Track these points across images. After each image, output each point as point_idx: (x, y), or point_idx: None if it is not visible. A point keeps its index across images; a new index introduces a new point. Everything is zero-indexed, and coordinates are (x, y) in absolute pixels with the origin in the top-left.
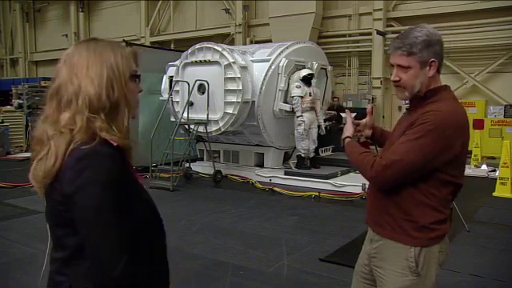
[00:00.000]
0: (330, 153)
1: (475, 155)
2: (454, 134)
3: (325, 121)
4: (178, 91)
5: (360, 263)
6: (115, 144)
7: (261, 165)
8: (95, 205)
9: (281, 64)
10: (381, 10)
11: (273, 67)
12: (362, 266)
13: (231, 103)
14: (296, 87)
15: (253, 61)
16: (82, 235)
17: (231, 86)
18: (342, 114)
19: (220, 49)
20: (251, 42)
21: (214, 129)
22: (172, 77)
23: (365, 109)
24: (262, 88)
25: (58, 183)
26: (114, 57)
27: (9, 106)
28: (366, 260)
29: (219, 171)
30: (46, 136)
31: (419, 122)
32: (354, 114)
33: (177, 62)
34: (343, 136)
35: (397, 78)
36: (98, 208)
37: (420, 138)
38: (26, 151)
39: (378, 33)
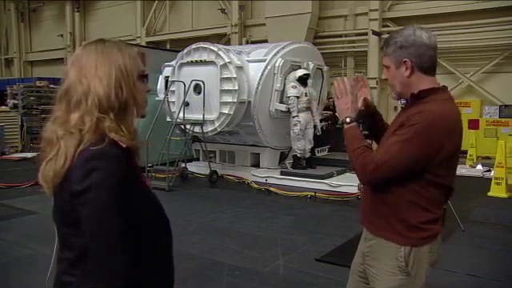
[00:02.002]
0: (326, 153)
1: (470, 155)
2: (444, 135)
3: (321, 121)
4: (173, 91)
5: (356, 262)
6: (124, 145)
7: (257, 165)
8: (101, 206)
9: (277, 64)
10: (376, 10)
11: (269, 67)
12: (358, 264)
13: (227, 103)
14: (292, 87)
15: (249, 61)
16: (87, 235)
17: (227, 86)
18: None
19: (216, 49)
20: (247, 42)
21: (209, 129)
22: (168, 77)
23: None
24: (257, 88)
25: (67, 183)
26: (121, 57)
27: (4, 107)
28: (361, 258)
29: (215, 171)
30: (55, 136)
31: (409, 122)
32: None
33: (173, 62)
34: (344, 114)
35: (385, 77)
36: (103, 209)
37: (408, 140)
38: (21, 151)
39: (374, 33)
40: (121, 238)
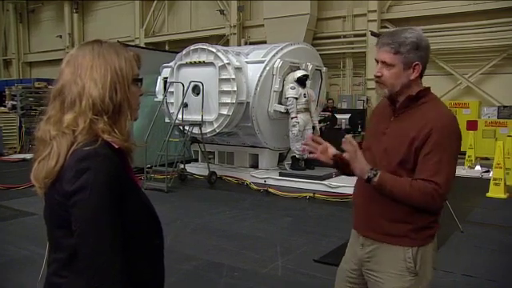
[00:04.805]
0: None
1: (469, 156)
2: (458, 127)
3: (319, 122)
4: (172, 92)
5: (345, 268)
6: (117, 146)
7: (255, 166)
8: (94, 207)
9: (275, 65)
10: (375, 11)
11: (267, 68)
12: (349, 271)
13: (226, 104)
14: (291, 88)
15: (247, 62)
16: (77, 236)
17: (226, 87)
18: (337, 116)
19: (214, 50)
20: (246, 43)
21: (208, 130)
22: (166, 78)
23: (359, 109)
24: (256, 89)
25: (59, 183)
26: (117, 60)
27: (2, 108)
28: (355, 265)
29: (214, 172)
30: (48, 136)
31: (435, 134)
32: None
33: (171, 63)
34: (365, 170)
35: (379, 74)
36: (96, 210)
37: (448, 151)
38: (19, 153)
39: (373, 34)
40: (112, 238)
